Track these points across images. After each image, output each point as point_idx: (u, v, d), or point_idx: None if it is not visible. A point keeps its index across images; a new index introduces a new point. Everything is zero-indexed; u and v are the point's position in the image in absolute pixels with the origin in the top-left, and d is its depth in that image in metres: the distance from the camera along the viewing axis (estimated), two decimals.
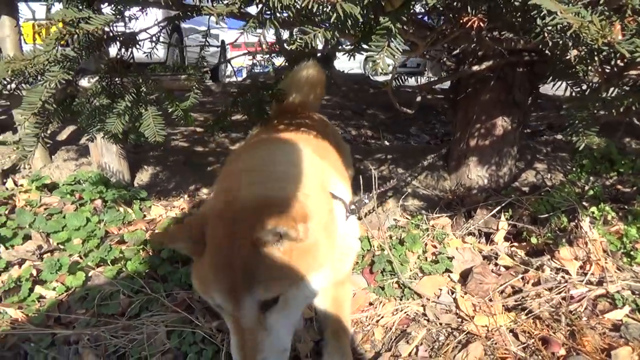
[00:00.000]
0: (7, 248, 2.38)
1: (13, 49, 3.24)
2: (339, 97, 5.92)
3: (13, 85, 1.92)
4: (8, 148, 3.85)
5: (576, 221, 2.07)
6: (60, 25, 1.63)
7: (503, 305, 1.80)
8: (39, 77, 1.82)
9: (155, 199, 3.22)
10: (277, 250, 1.19)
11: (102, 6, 1.93)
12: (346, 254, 1.69)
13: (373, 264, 2.09)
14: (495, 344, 1.60)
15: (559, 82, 1.78)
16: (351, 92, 6.23)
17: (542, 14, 1.24)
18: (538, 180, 3.03)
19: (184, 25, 6.86)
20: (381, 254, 2.13)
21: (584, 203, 2.31)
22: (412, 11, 1.69)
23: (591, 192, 2.50)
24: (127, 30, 2.09)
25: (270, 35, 1.82)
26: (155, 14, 2.28)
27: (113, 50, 2.20)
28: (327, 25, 1.35)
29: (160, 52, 2.46)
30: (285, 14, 1.41)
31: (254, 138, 2.18)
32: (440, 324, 1.75)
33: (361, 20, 1.26)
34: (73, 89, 2.24)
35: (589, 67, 1.50)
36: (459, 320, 1.76)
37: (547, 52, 1.60)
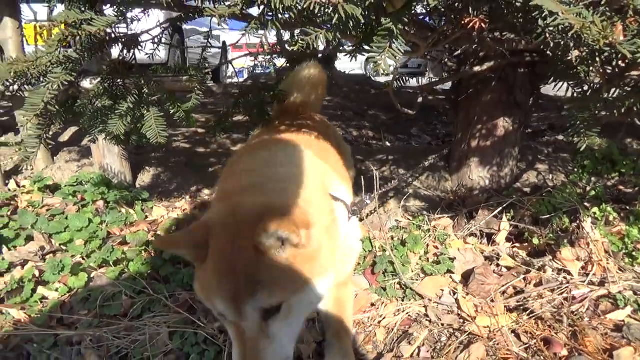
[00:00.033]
0: (9, 249, 2.39)
1: (15, 50, 3.25)
2: (340, 98, 5.92)
3: (15, 87, 1.93)
4: (10, 149, 3.86)
5: (578, 222, 2.07)
6: (63, 27, 1.64)
7: (505, 306, 1.80)
8: (41, 79, 1.82)
9: (157, 200, 3.23)
10: (279, 257, 1.19)
11: (104, 8, 1.94)
12: (348, 255, 1.69)
13: (375, 264, 2.09)
14: (497, 344, 1.60)
15: (561, 83, 1.78)
16: (352, 93, 6.22)
17: (543, 15, 1.24)
18: (539, 181, 3.03)
19: (185, 26, 6.87)
20: (383, 254, 2.13)
21: (585, 204, 2.31)
22: (413, 12, 1.69)
23: (593, 193, 2.50)
24: (129, 32, 2.10)
25: (272, 37, 1.82)
26: (157, 16, 2.29)
27: (115, 52, 2.21)
28: (329, 26, 1.35)
29: (162, 53, 2.46)
30: (287, 15, 1.41)
31: (255, 139, 2.19)
32: (442, 324, 1.75)
33: (363, 21, 1.27)
34: (75, 91, 2.25)
35: (591, 68, 1.50)
36: (461, 321, 1.77)
37: (548, 52, 1.60)
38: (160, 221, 2.84)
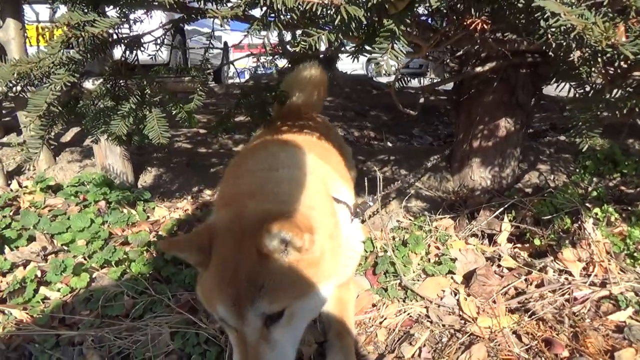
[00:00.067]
0: (11, 249, 2.39)
1: (18, 51, 3.26)
2: (342, 98, 5.92)
3: (18, 88, 1.94)
4: (13, 150, 3.87)
5: (579, 222, 2.07)
6: (65, 28, 1.64)
7: (506, 307, 1.80)
8: (44, 80, 1.83)
9: (159, 201, 3.24)
10: (282, 261, 1.19)
11: (107, 9, 1.95)
12: (350, 257, 1.70)
13: (376, 265, 2.09)
14: (499, 345, 1.59)
15: (563, 84, 1.78)
16: (354, 94, 6.23)
17: (545, 16, 1.24)
18: (541, 181, 3.02)
19: (187, 27, 6.88)
20: (384, 255, 2.13)
21: (587, 204, 2.30)
22: (415, 13, 1.69)
23: (594, 194, 2.50)
24: (132, 33, 2.10)
25: (273, 38, 1.82)
26: (159, 17, 2.29)
27: (118, 53, 2.21)
28: (331, 27, 1.35)
29: (164, 54, 2.46)
30: (289, 17, 1.41)
31: (257, 139, 2.19)
32: (444, 325, 1.75)
33: (365, 22, 1.27)
34: (77, 91, 2.25)
35: (593, 69, 1.50)
36: (462, 321, 1.76)
37: (550, 53, 1.60)
38: (162, 221, 2.85)
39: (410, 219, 2.73)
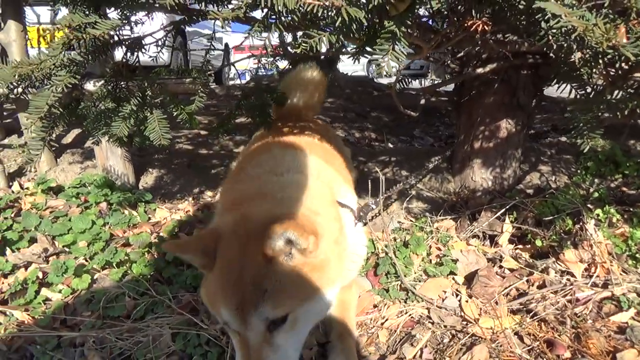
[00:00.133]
0: (13, 251, 2.40)
1: (19, 53, 3.27)
2: (343, 99, 5.92)
3: (20, 90, 1.94)
4: (14, 151, 3.88)
5: (581, 223, 2.07)
6: (67, 30, 1.64)
7: (508, 308, 1.80)
8: (45, 81, 1.83)
9: (160, 202, 3.24)
10: (287, 265, 1.19)
11: (108, 11, 1.95)
12: (354, 261, 1.70)
13: (377, 266, 2.09)
14: (500, 346, 1.59)
15: (563, 85, 1.77)
16: (355, 95, 6.22)
17: (546, 17, 1.24)
18: (542, 182, 3.02)
19: (188, 29, 6.89)
20: (385, 256, 2.13)
21: (588, 205, 2.30)
22: (416, 15, 1.70)
23: (596, 195, 2.50)
24: (133, 35, 2.11)
25: (274, 39, 1.82)
26: (160, 18, 2.30)
27: (119, 55, 2.21)
28: (332, 29, 1.35)
29: (165, 56, 2.47)
30: (290, 18, 1.42)
31: (257, 141, 2.19)
32: (445, 326, 1.75)
33: (366, 24, 1.27)
34: (79, 93, 2.26)
35: (594, 70, 1.50)
36: (464, 322, 1.76)
37: (551, 54, 1.60)
38: (163, 223, 2.85)
39: (411, 220, 2.73)
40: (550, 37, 1.33)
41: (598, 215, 2.20)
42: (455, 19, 1.82)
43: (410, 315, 1.84)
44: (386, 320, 1.83)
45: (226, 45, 10.04)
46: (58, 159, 3.66)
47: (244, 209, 1.33)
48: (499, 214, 2.43)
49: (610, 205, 2.29)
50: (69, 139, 4.15)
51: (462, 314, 1.80)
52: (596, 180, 2.87)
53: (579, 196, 2.39)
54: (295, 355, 1.24)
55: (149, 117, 1.98)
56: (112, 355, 1.69)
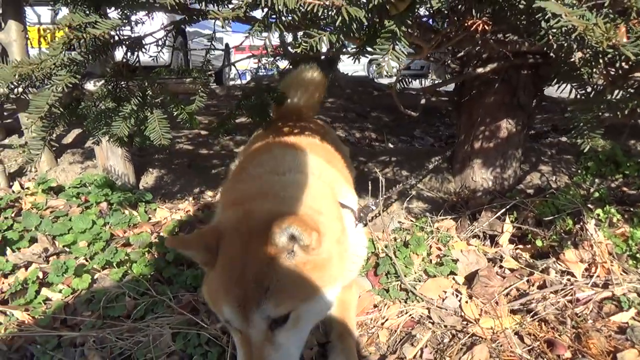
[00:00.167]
0: (13, 251, 2.40)
1: (20, 53, 3.27)
2: (343, 99, 5.92)
3: (20, 89, 1.94)
4: (14, 151, 3.88)
5: (581, 223, 2.07)
6: (67, 29, 1.64)
7: (508, 308, 1.80)
8: (45, 81, 1.83)
9: (160, 202, 3.24)
10: (289, 263, 1.19)
11: (108, 11, 1.95)
12: (354, 262, 1.70)
13: (377, 266, 2.09)
14: (501, 346, 1.59)
15: (564, 85, 1.77)
16: (355, 95, 6.23)
17: (546, 17, 1.24)
18: (543, 182, 3.02)
19: (188, 29, 6.90)
20: (386, 256, 2.13)
21: (589, 205, 2.30)
22: (416, 14, 1.69)
23: (596, 195, 2.50)
24: (133, 35, 2.11)
25: (275, 39, 1.83)
26: (161, 18, 2.30)
27: (119, 54, 2.22)
28: (332, 28, 1.35)
29: (165, 56, 2.47)
30: (290, 18, 1.42)
31: (257, 141, 2.19)
32: (445, 326, 1.75)
33: (366, 23, 1.27)
34: (79, 93, 2.26)
35: (594, 70, 1.50)
36: (464, 322, 1.76)
37: (551, 54, 1.60)
38: (163, 223, 2.85)
39: (411, 220, 2.73)
40: (551, 37, 1.33)
41: (598, 215, 2.19)
42: (455, 18, 1.83)
43: (410, 315, 1.84)
44: (386, 320, 1.83)
45: (227, 45, 10.04)
46: (58, 159, 3.66)
47: (246, 207, 1.33)
48: (499, 214, 2.43)
49: (611, 205, 2.29)
50: (69, 139, 4.15)
51: (463, 314, 1.80)
52: (596, 180, 2.87)
53: (579, 196, 2.39)
54: (297, 353, 1.24)
55: (149, 117, 1.98)
56: (112, 355, 1.69)
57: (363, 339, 1.75)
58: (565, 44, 1.31)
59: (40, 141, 1.94)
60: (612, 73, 1.64)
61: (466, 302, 1.85)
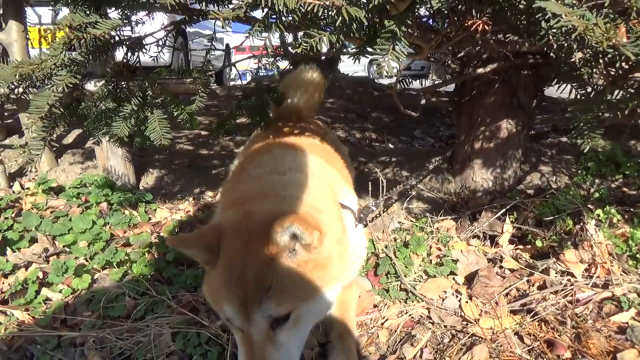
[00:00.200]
0: (13, 251, 2.40)
1: (20, 53, 3.28)
2: (344, 99, 5.92)
3: (20, 89, 1.94)
4: (15, 151, 3.88)
5: (581, 224, 2.07)
6: (67, 30, 1.65)
7: (508, 308, 1.80)
8: (46, 81, 1.83)
9: (161, 202, 3.24)
10: (290, 262, 1.19)
11: (109, 11, 1.95)
12: (354, 262, 1.70)
13: (377, 266, 2.09)
14: (500, 346, 1.59)
15: (564, 85, 1.77)
16: (355, 95, 6.23)
17: (546, 17, 1.24)
18: (543, 182, 3.02)
19: (188, 29, 6.91)
20: (385, 256, 2.13)
21: (589, 206, 2.30)
22: (416, 14, 1.70)
23: (597, 195, 2.50)
24: (134, 35, 2.11)
25: (275, 39, 1.83)
26: (161, 18, 2.30)
27: (119, 55, 2.22)
28: (332, 28, 1.36)
29: (165, 56, 2.47)
30: (290, 18, 1.42)
31: (257, 140, 2.19)
32: (445, 326, 1.75)
33: (366, 23, 1.27)
34: (79, 93, 2.26)
35: (594, 70, 1.50)
36: (464, 322, 1.76)
37: (551, 54, 1.60)
38: (163, 223, 2.85)
39: (411, 221, 2.73)
40: (551, 37, 1.33)
41: (599, 215, 2.19)
42: (455, 18, 1.83)
43: (410, 315, 1.84)
44: (386, 320, 1.83)
45: (227, 45, 10.06)
46: (59, 159, 3.66)
47: (247, 206, 1.33)
48: (499, 214, 2.43)
49: (611, 205, 2.29)
50: (69, 139, 4.15)
51: (462, 314, 1.80)
52: (597, 180, 2.87)
53: (579, 196, 2.39)
54: (297, 353, 1.25)
55: (149, 117, 1.99)
56: (112, 355, 1.69)
57: (363, 339, 1.75)
58: (566, 44, 1.31)
59: (40, 141, 1.94)
60: (612, 73, 1.64)
61: (466, 302, 1.85)
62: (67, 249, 2.43)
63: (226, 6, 1.79)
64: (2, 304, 2.05)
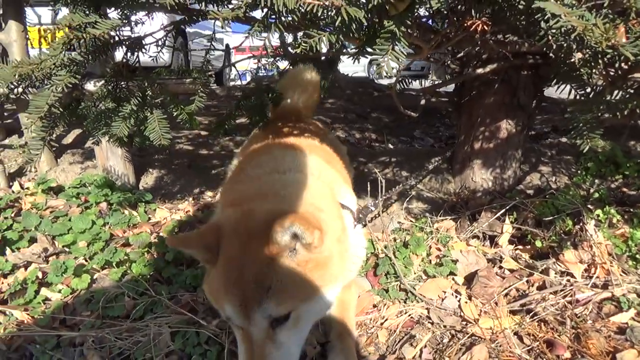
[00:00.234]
0: (13, 251, 2.40)
1: (20, 53, 3.27)
2: (343, 100, 5.93)
3: (20, 89, 1.94)
4: (14, 151, 3.88)
5: (581, 224, 2.07)
6: (67, 30, 1.65)
7: (508, 309, 1.80)
8: (45, 81, 1.83)
9: (160, 202, 3.24)
10: (290, 262, 1.19)
11: (108, 11, 1.95)
12: (354, 263, 1.70)
13: (377, 266, 2.09)
14: (500, 346, 1.59)
15: (564, 85, 1.77)
16: (355, 96, 6.23)
17: (546, 17, 1.24)
18: (543, 183, 3.02)
19: (188, 29, 6.91)
20: (385, 257, 2.13)
21: (589, 206, 2.30)
22: (416, 15, 1.70)
23: (596, 195, 2.49)
24: (133, 35, 2.11)
25: (275, 39, 1.83)
26: (161, 19, 2.30)
27: (119, 55, 2.22)
28: (332, 28, 1.36)
29: (165, 56, 2.47)
30: (290, 18, 1.42)
31: (256, 140, 2.19)
32: (445, 326, 1.75)
33: (365, 23, 1.27)
34: (79, 93, 2.26)
35: (593, 70, 1.50)
36: (463, 322, 1.76)
37: (551, 55, 1.60)
38: (163, 223, 2.85)
39: (411, 221, 2.73)
40: (550, 37, 1.33)
41: (598, 215, 2.19)
42: (455, 18, 1.83)
43: (409, 315, 1.84)
44: (386, 320, 1.83)
45: (227, 46, 10.06)
46: (58, 159, 3.66)
47: (246, 206, 1.33)
48: (499, 214, 2.43)
49: (611, 205, 2.29)
50: (69, 139, 4.15)
51: (462, 314, 1.80)
52: (596, 180, 2.87)
53: (579, 197, 2.38)
54: (297, 352, 1.25)
55: (149, 117, 1.99)
56: (112, 355, 1.69)
57: (362, 339, 1.75)
58: (565, 45, 1.31)
59: (40, 141, 1.94)
60: (612, 73, 1.64)
61: (465, 302, 1.85)
62: (67, 249, 2.43)
63: (226, 6, 1.79)
64: (1, 303, 2.05)
